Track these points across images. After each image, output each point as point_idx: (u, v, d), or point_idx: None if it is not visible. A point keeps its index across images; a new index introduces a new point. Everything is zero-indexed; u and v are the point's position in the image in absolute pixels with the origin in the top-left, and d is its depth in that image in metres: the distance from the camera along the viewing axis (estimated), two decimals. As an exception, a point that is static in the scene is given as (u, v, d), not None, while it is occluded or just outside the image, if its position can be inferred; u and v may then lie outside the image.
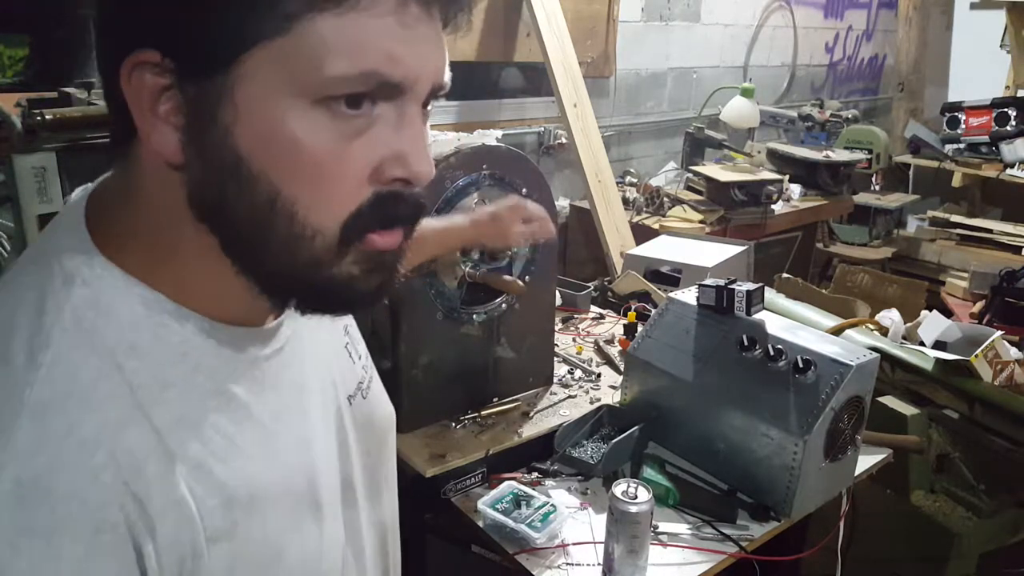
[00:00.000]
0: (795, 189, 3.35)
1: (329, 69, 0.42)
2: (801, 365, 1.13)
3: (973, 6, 4.71)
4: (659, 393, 1.31)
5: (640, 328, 1.44)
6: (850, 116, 3.96)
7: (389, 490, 0.71)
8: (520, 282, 1.26)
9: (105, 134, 0.49)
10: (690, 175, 3.18)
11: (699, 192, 3.06)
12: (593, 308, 1.89)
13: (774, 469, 1.15)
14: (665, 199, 2.94)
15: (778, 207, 3.11)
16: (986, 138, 3.88)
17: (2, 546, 0.38)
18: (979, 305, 2.85)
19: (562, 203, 2.97)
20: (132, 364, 0.44)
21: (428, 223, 1.10)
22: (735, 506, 1.18)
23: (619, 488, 1.02)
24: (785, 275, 2.42)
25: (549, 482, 1.24)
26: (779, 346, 1.18)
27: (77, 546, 0.39)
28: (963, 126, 3.95)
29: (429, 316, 1.22)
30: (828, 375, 1.13)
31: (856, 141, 3.88)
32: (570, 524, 1.14)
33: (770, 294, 2.01)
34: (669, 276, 2.10)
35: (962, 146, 3.98)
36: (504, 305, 1.32)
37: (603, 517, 1.07)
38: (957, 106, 3.98)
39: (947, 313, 2.66)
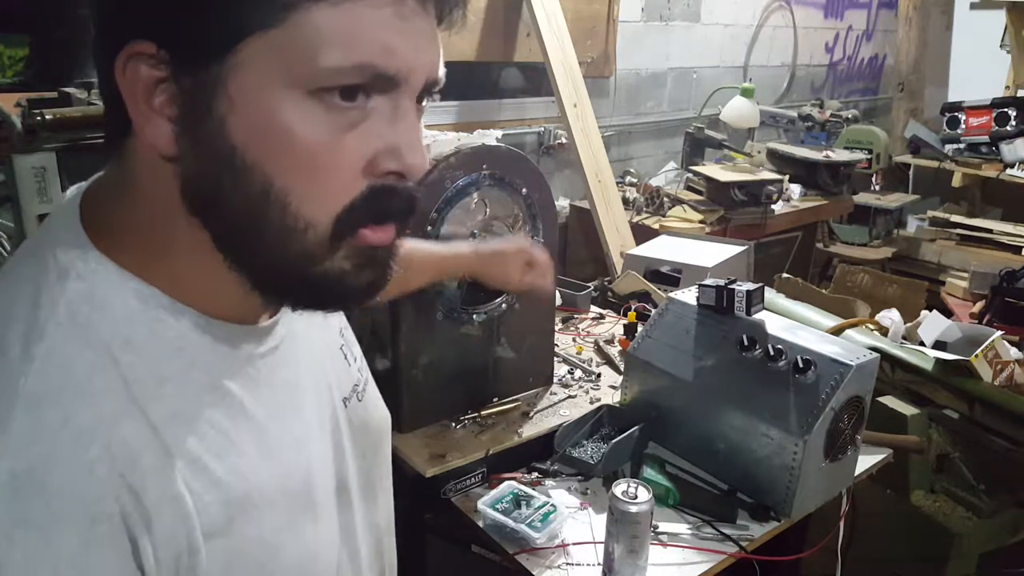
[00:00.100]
0: (795, 189, 3.35)
1: (324, 60, 0.42)
2: (801, 365, 1.13)
3: (973, 6, 4.71)
4: (659, 393, 1.31)
5: (640, 328, 1.44)
6: (850, 116, 3.96)
7: (384, 493, 0.71)
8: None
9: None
10: (690, 175, 3.18)
11: (699, 192, 3.06)
12: (593, 308, 1.89)
13: (774, 469, 1.15)
14: (665, 199, 2.94)
15: (778, 207, 3.11)
16: (986, 138, 3.88)
17: None
18: (979, 305, 2.85)
19: (562, 203, 2.97)
20: (127, 358, 0.44)
21: (434, 248, 1.11)
22: (735, 506, 1.18)
23: (619, 488, 1.02)
24: (785, 275, 2.42)
25: (549, 482, 1.24)
26: (779, 346, 1.18)
27: (72, 538, 0.39)
28: (963, 126, 3.95)
29: (429, 316, 1.22)
30: (828, 375, 1.13)
31: (856, 141, 3.88)
32: (570, 524, 1.14)
33: (770, 294, 2.02)
34: (669, 276, 2.10)
35: (962, 146, 3.98)
36: (504, 305, 1.32)
37: (603, 517, 1.07)
38: (957, 106, 3.98)
39: (947, 313, 2.66)
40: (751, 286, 1.27)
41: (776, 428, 1.13)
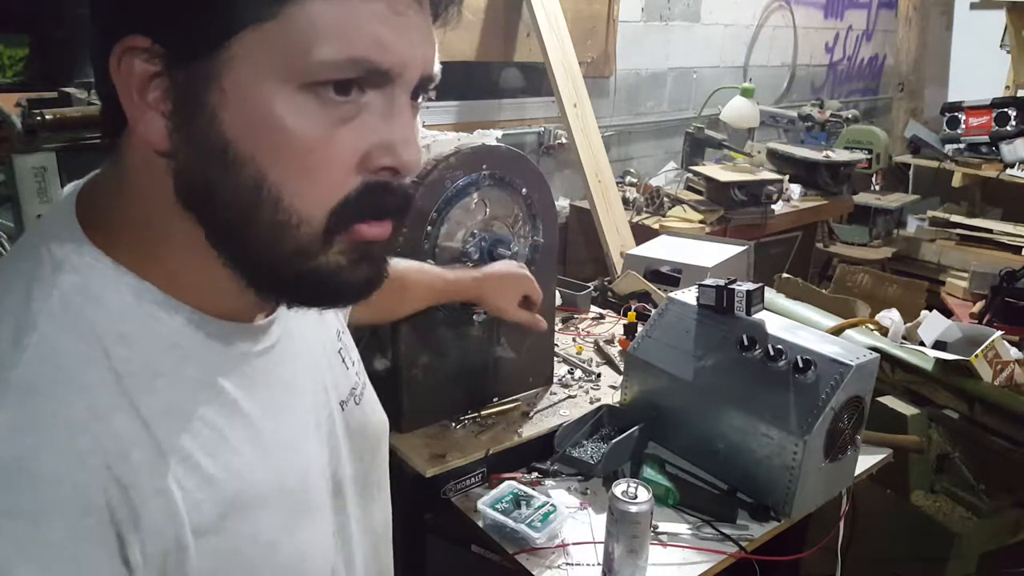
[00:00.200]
0: (795, 189, 3.35)
1: (317, 54, 0.42)
2: (801, 365, 1.13)
3: (973, 6, 4.71)
4: (659, 393, 1.31)
5: (640, 328, 1.44)
6: (850, 116, 3.96)
7: (381, 498, 0.70)
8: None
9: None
10: (690, 175, 3.18)
11: (699, 192, 3.07)
12: (593, 308, 1.89)
13: (774, 469, 1.15)
14: (665, 199, 2.94)
15: (778, 207, 3.11)
16: (986, 138, 3.88)
17: None
18: (979, 305, 2.85)
19: (562, 203, 2.97)
20: (120, 352, 0.44)
21: (432, 275, 1.12)
22: (735, 506, 1.18)
23: (619, 488, 1.02)
24: (785, 275, 2.42)
25: (549, 482, 1.24)
26: (779, 346, 1.17)
27: (60, 530, 0.39)
28: (963, 126, 3.95)
29: (429, 316, 1.22)
30: (828, 375, 1.13)
31: (856, 141, 3.88)
32: (570, 524, 1.14)
33: (770, 294, 2.02)
34: (669, 276, 2.10)
35: (962, 146, 3.98)
36: (504, 305, 1.32)
37: (603, 517, 1.07)
38: (957, 106, 3.98)
39: (947, 313, 2.66)
40: (751, 286, 1.27)
41: (776, 428, 1.13)
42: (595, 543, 1.10)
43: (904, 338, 1.98)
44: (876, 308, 2.17)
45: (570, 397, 1.43)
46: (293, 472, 0.54)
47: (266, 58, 0.42)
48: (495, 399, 1.37)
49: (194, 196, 0.45)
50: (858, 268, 2.88)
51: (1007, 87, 4.26)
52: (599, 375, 1.52)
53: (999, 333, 1.81)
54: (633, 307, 1.80)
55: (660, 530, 1.13)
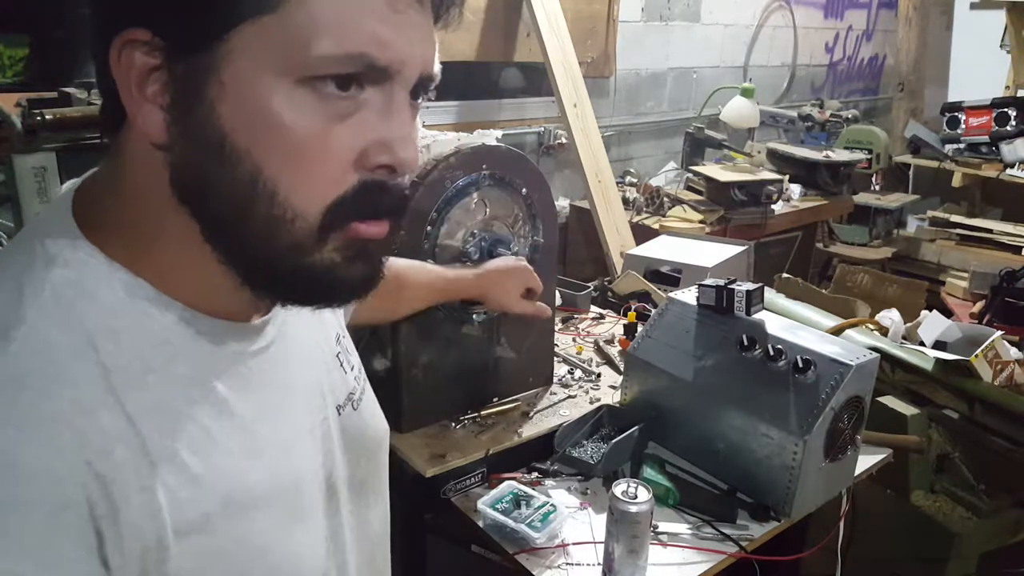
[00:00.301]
0: (795, 189, 3.35)
1: (316, 48, 0.42)
2: (801, 365, 1.13)
3: (973, 6, 4.71)
4: (659, 393, 1.31)
5: (640, 328, 1.44)
6: (850, 116, 3.96)
7: (379, 505, 0.69)
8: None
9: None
10: (690, 175, 3.18)
11: (699, 192, 3.07)
12: (593, 308, 1.89)
13: (774, 469, 1.15)
14: (665, 199, 2.94)
15: (778, 207, 3.11)
16: (986, 138, 3.88)
17: None
18: (979, 305, 2.85)
19: (562, 203, 2.97)
20: (109, 347, 0.44)
21: (432, 274, 1.12)
22: (735, 506, 1.18)
23: (619, 488, 1.02)
24: (785, 275, 2.42)
25: (549, 482, 1.24)
26: (779, 346, 1.17)
27: (37, 523, 0.39)
28: (963, 126, 3.95)
29: (429, 316, 1.22)
30: (828, 375, 1.13)
31: (856, 141, 3.88)
32: (570, 524, 1.14)
33: (770, 294, 2.01)
34: (669, 276, 2.10)
35: (962, 146, 3.98)
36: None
37: (603, 517, 1.07)
38: (957, 106, 3.98)
39: (947, 313, 2.66)
40: (751, 286, 1.27)
41: (776, 428, 1.13)
42: (595, 543, 1.10)
43: (904, 338, 1.99)
44: (876, 308, 2.17)
45: (570, 397, 1.43)
46: (285, 475, 0.53)
47: (265, 51, 0.42)
48: (495, 399, 1.37)
49: (190, 190, 0.45)
50: (858, 268, 2.88)
51: (1007, 87, 4.26)
52: (599, 375, 1.52)
53: (999, 333, 1.81)
54: (633, 307, 1.80)
55: (660, 530, 1.13)
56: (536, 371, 1.44)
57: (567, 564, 1.07)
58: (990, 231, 3.64)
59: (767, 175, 3.06)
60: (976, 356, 1.68)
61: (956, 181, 4.01)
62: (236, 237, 0.46)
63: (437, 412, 1.30)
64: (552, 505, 1.12)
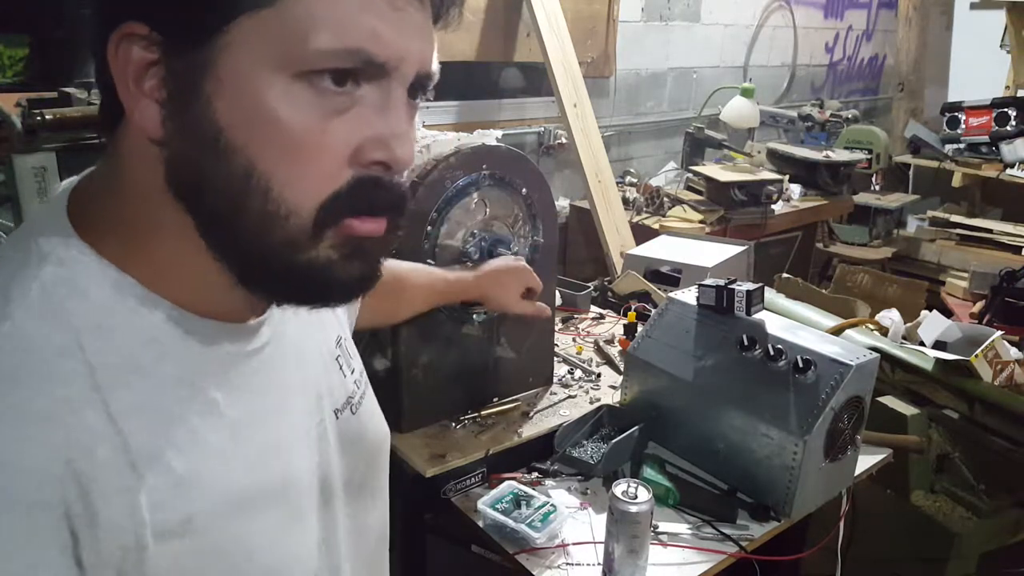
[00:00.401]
0: (795, 189, 3.35)
1: (313, 42, 0.42)
2: (801, 365, 1.13)
3: (973, 6, 4.71)
4: (659, 393, 1.31)
5: (640, 328, 1.44)
6: (850, 116, 3.96)
7: (377, 509, 0.68)
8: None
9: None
10: (690, 175, 3.18)
11: (699, 192, 3.07)
12: (593, 308, 1.89)
13: (774, 469, 1.15)
14: (665, 199, 2.94)
15: (778, 207, 3.11)
16: (986, 138, 3.88)
17: None
18: (979, 305, 2.85)
19: (562, 203, 2.97)
20: (96, 345, 0.43)
21: (431, 276, 1.12)
22: (735, 506, 1.18)
23: (619, 488, 1.02)
24: (785, 275, 2.42)
25: (549, 482, 1.24)
26: (779, 346, 1.17)
27: (10, 522, 0.38)
28: (963, 126, 3.95)
29: (429, 316, 1.22)
30: (828, 375, 1.13)
31: (856, 141, 3.88)
32: (570, 524, 1.14)
33: (770, 294, 2.02)
34: (669, 276, 2.10)
35: (962, 146, 3.98)
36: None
37: (603, 517, 1.07)
38: (957, 106, 3.98)
39: (947, 313, 2.66)
40: (751, 286, 1.27)
41: (776, 428, 1.13)
42: (595, 543, 1.10)
43: (904, 338, 1.99)
44: (876, 308, 2.17)
45: (570, 397, 1.43)
46: (277, 477, 0.52)
47: (262, 45, 0.42)
48: (495, 399, 1.37)
49: (185, 185, 0.45)
50: (858, 268, 2.88)
51: (1007, 87, 4.26)
52: (599, 375, 1.52)
53: (999, 333, 1.81)
54: (633, 307, 1.80)
55: (660, 530, 1.13)
56: (536, 371, 1.44)
57: (567, 564, 1.07)
58: (990, 231, 3.64)
59: (767, 175, 3.06)
60: (976, 356, 1.68)
61: (956, 181, 4.01)
62: (231, 233, 0.46)
63: (437, 412, 1.30)
64: (552, 505, 1.12)
